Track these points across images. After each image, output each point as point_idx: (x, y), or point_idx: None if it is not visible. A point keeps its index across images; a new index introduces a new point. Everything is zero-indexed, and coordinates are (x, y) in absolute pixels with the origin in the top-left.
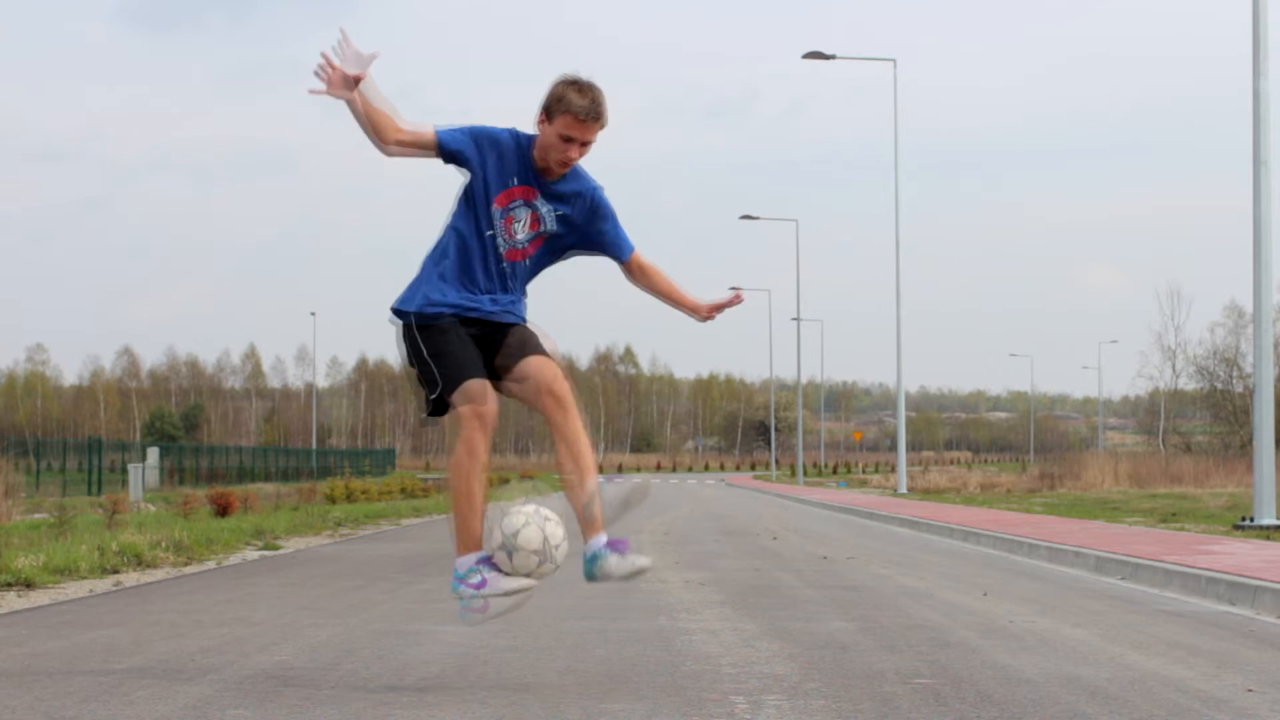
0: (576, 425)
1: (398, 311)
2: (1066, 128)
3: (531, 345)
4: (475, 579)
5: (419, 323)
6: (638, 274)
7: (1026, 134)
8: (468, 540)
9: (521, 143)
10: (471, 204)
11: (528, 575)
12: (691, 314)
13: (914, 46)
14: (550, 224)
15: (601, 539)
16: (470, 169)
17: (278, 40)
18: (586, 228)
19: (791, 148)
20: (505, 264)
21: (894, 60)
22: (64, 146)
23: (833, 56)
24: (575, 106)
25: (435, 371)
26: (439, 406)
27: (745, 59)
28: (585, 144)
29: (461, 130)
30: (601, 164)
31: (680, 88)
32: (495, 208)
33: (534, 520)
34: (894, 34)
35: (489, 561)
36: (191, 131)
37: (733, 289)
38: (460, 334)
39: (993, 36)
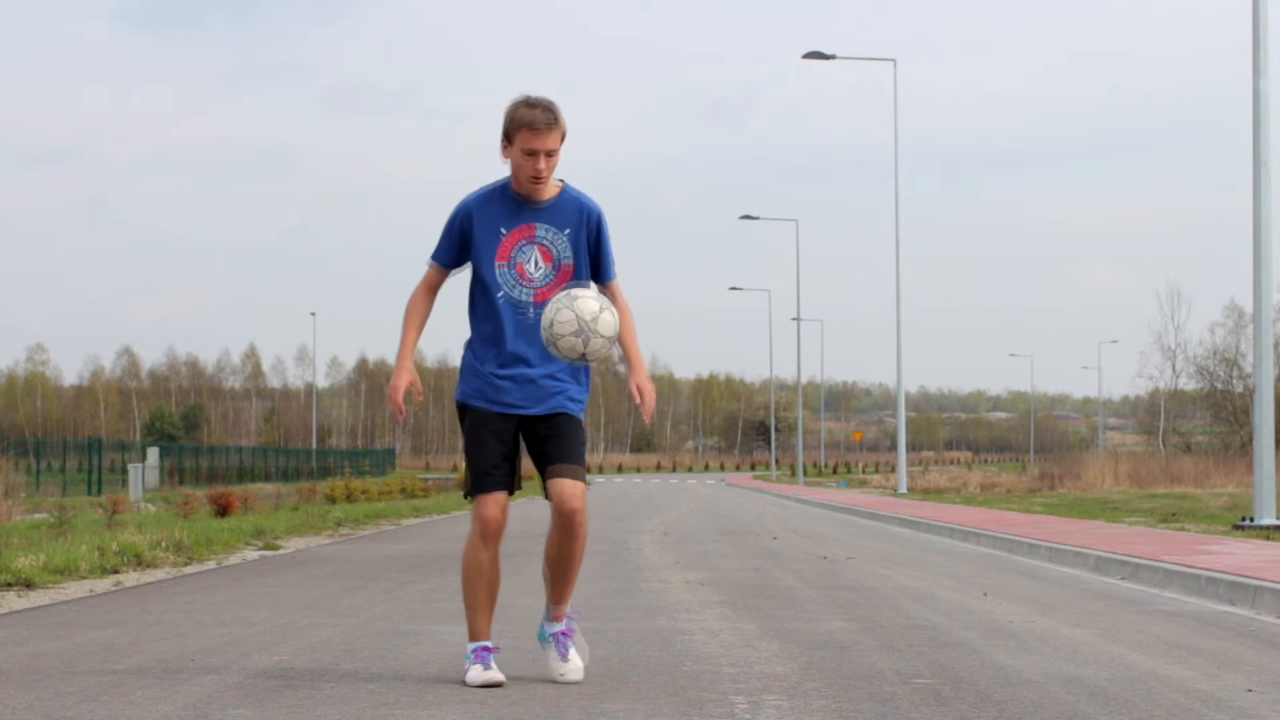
0: (575, 551)
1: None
2: (1066, 128)
3: (561, 456)
4: (466, 665)
5: (461, 408)
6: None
7: (1026, 134)
8: (470, 629)
9: (496, 190)
10: (477, 276)
11: (581, 356)
12: (628, 375)
13: (914, 46)
14: (561, 250)
15: (558, 626)
16: (475, 250)
17: (278, 40)
18: (591, 247)
19: (791, 148)
20: (535, 311)
21: (894, 60)
22: (64, 146)
23: (833, 56)
24: (527, 118)
25: (467, 469)
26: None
27: (745, 59)
28: (550, 154)
29: (444, 238)
30: (603, 163)
31: (680, 88)
32: (500, 264)
33: (562, 302)
34: (894, 34)
35: (478, 653)
36: (191, 131)
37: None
38: (491, 431)
39: (993, 36)
